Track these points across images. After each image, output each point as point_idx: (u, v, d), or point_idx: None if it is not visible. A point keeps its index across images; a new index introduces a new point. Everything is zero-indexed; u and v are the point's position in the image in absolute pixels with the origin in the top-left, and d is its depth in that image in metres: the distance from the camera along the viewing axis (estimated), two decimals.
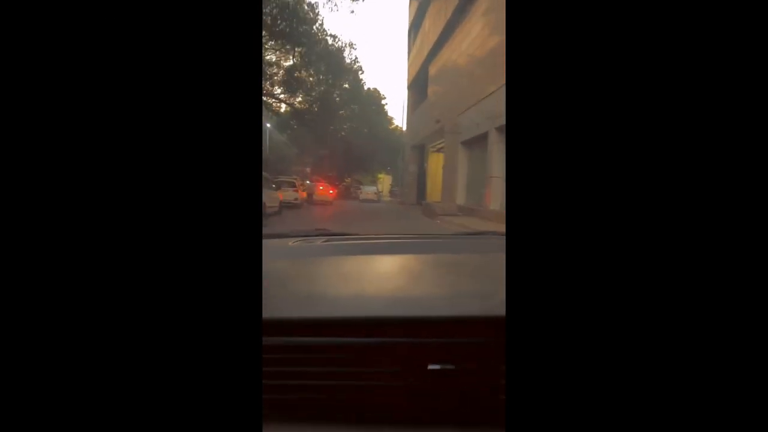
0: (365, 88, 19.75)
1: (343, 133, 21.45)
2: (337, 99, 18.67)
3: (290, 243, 1.00)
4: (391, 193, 24.11)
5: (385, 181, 30.44)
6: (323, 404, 0.47)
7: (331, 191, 14.32)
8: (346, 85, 18.83)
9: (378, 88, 22.63)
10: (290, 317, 0.50)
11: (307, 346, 0.48)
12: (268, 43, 13.54)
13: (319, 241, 1.02)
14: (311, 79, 14.71)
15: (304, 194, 12.55)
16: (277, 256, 0.86)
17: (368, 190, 19.83)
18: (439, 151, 15.63)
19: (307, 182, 15.42)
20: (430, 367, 0.46)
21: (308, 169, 22.76)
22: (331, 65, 14.20)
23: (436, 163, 15.39)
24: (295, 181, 11.09)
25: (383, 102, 23.19)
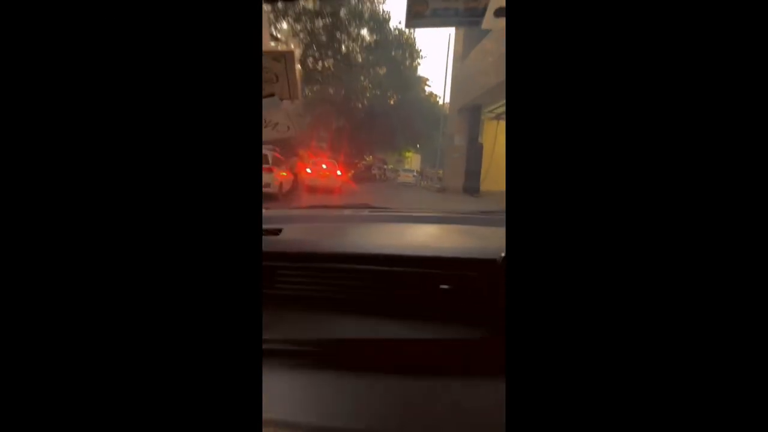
0: (392, 31, 14.93)
1: (365, 101, 17.04)
2: (359, 57, 14.44)
3: (345, 212, 1.37)
4: (422, 175, 19.29)
5: (413, 161, 25.70)
6: (359, 300, 0.73)
7: (339, 172, 9.78)
8: (365, 33, 14.22)
9: (411, 36, 17.20)
10: (348, 252, 0.79)
11: (355, 270, 0.74)
12: None
13: (365, 212, 1.34)
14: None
15: (291, 176, 8.10)
16: (337, 221, 1.28)
17: (405, 173, 19.01)
18: (500, 117, 10.92)
19: (311, 160, 10.98)
20: (442, 287, 0.69)
21: (324, 145, 18.61)
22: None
23: (494, 134, 10.73)
24: (268, 154, 6.34)
25: (418, 61, 18.11)
